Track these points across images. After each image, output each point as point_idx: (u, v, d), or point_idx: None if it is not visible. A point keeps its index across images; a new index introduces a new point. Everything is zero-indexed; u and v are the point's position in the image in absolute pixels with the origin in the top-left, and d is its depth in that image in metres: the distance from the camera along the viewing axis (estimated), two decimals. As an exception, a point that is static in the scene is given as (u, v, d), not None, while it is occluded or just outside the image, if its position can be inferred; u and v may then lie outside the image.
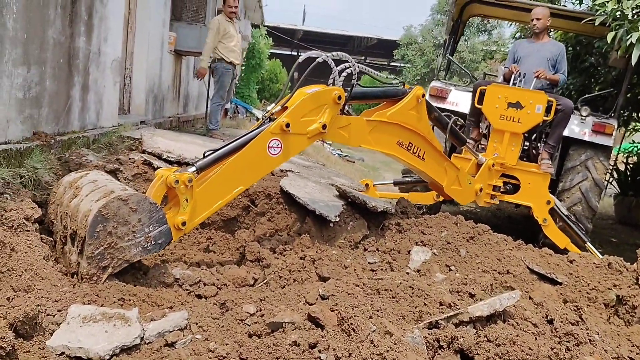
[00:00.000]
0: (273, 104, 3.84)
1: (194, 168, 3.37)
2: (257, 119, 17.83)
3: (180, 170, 3.36)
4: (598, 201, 6.59)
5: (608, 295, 3.70)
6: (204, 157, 3.48)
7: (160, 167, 4.73)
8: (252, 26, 21.68)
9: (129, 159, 4.78)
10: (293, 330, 2.44)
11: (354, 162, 13.58)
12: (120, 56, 6.53)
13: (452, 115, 5.13)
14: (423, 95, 4.45)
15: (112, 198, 2.98)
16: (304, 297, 3.03)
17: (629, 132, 10.98)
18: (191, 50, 9.63)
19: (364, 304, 2.45)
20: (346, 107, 4.05)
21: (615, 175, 11.17)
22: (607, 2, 5.82)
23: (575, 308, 2.52)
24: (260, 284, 3.61)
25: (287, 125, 3.62)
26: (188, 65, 10.66)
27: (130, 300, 3.00)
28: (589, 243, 5.82)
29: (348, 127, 4.05)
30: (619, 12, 5.74)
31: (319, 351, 2.06)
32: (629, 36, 5.54)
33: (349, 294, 3.01)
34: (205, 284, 3.44)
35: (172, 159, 4.99)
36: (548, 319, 2.45)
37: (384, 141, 4.33)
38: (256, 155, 3.59)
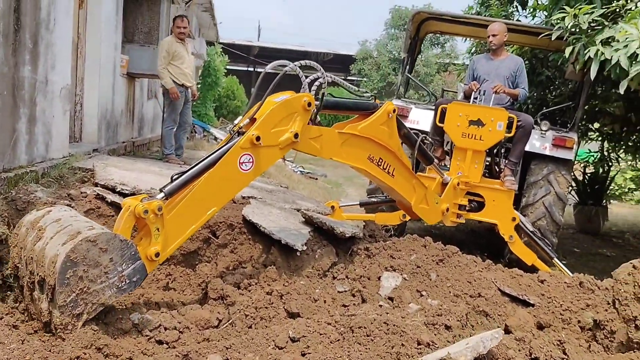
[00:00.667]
0: (240, 117, 3.65)
1: (162, 194, 3.18)
2: (215, 138, 17.58)
3: (148, 198, 3.16)
4: (562, 215, 6.62)
5: (582, 316, 3.63)
6: (171, 180, 3.28)
7: (114, 201, 4.49)
8: (207, 44, 21.45)
9: (81, 193, 4.51)
10: (263, 383, 2.25)
11: (316, 178, 13.45)
12: (70, 83, 6.24)
13: (419, 133, 5.06)
14: (394, 111, 4.37)
15: (79, 240, 2.78)
16: (273, 340, 2.86)
17: (584, 141, 11.18)
18: (144, 72, 9.38)
19: (340, 356, 2.28)
20: (318, 118, 3.91)
21: (574, 185, 11.34)
22: (565, 17, 5.86)
23: (559, 342, 2.42)
24: (225, 325, 3.40)
25: (258, 138, 3.44)
26: (142, 88, 10.38)
27: (86, 355, 2.76)
28: (556, 259, 5.80)
29: (320, 139, 3.90)
30: (576, 27, 5.79)
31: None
32: (586, 50, 5.58)
33: (321, 334, 2.85)
34: (166, 329, 3.21)
35: (127, 192, 4.73)
36: (532, 357, 2.34)
37: (355, 155, 4.21)
38: (227, 172, 3.40)
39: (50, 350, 2.62)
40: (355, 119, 4.36)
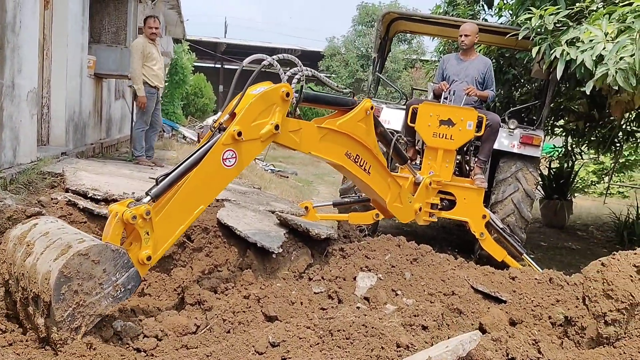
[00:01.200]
0: (219, 112, 3.64)
1: (148, 197, 3.17)
2: (184, 137, 17.41)
3: (134, 203, 3.16)
4: (530, 211, 6.77)
5: (553, 311, 3.74)
6: (157, 183, 3.29)
7: (86, 207, 4.43)
8: (174, 41, 21.22)
9: (52, 199, 4.44)
10: (246, 391, 2.26)
11: (287, 177, 13.44)
12: (37, 86, 6.11)
13: (394, 132, 5.10)
14: (372, 108, 4.41)
15: (71, 255, 2.77)
16: (253, 346, 2.87)
17: (549, 137, 11.42)
18: (112, 72, 9.24)
19: (321, 362, 2.31)
20: (298, 111, 3.93)
21: (540, 180, 11.59)
22: (531, 18, 5.99)
23: (534, 342, 2.49)
24: (203, 331, 3.39)
25: (239, 133, 3.45)
26: (109, 88, 10.23)
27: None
28: (525, 255, 5.93)
29: (299, 132, 3.92)
30: (542, 27, 5.92)
31: None
32: (552, 50, 5.72)
33: (300, 338, 2.87)
34: (145, 336, 3.21)
35: (99, 197, 4.68)
36: (509, 357, 2.40)
37: (333, 150, 4.23)
38: (211, 170, 3.41)
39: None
40: (334, 115, 4.39)
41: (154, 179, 6.18)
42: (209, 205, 5.18)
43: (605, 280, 3.20)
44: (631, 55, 5.13)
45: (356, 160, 4.42)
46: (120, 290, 2.99)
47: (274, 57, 3.90)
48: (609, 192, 16.77)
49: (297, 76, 3.96)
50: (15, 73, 5.36)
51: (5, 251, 3.27)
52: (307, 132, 3.99)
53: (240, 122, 3.49)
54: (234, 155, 3.49)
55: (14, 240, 3.23)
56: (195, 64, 23.97)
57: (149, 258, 3.13)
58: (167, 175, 3.33)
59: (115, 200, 4.77)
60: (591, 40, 5.43)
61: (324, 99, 4.40)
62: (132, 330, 3.14)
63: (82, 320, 2.83)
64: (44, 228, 3.21)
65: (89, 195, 4.64)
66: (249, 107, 3.53)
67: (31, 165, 5.53)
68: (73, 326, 2.80)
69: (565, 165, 11.94)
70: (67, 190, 4.75)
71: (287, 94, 3.70)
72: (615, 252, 3.37)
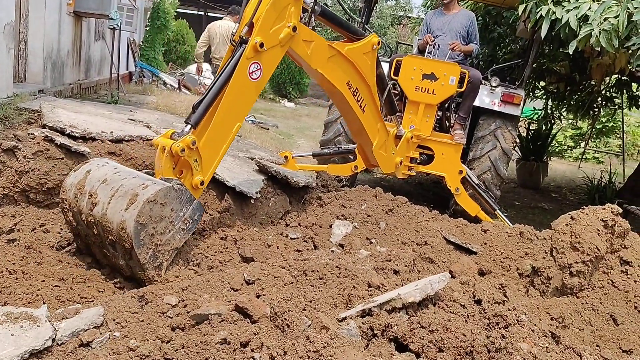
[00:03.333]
0: (236, 24, 3.61)
1: (189, 126, 3.32)
2: (164, 83, 17.14)
3: (177, 133, 3.31)
4: (506, 169, 6.87)
5: (521, 263, 3.85)
6: (193, 110, 3.39)
7: (63, 143, 4.38)
8: (157, -15, 20.59)
9: (28, 134, 4.38)
10: (220, 322, 2.33)
11: (268, 129, 13.36)
12: (14, 20, 5.93)
13: (391, 79, 5.05)
14: (378, 43, 4.42)
15: (142, 205, 2.95)
16: (229, 282, 2.93)
17: (530, 99, 11.51)
18: (92, 12, 8.95)
19: (296, 296, 2.37)
20: (313, 22, 3.92)
21: (518, 141, 11.73)
22: (519, -25, 5.96)
23: (500, 286, 2.58)
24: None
25: (262, 44, 3.47)
26: (89, 28, 9.95)
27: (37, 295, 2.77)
28: (498, 211, 6.06)
29: (311, 44, 3.91)
30: (528, -15, 5.90)
31: (252, 350, 1.97)
32: (538, 9, 5.71)
33: (275, 277, 2.94)
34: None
35: (77, 134, 4.63)
36: (476, 299, 2.49)
37: (337, 75, 4.24)
38: (241, 86, 3.49)
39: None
40: (342, 42, 4.37)
41: (132, 119, 6.15)
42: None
43: (573, 233, 3.31)
44: (615, 17, 5.15)
45: (355, 93, 4.44)
46: (189, 222, 3.23)
47: None
48: (584, 156, 17.04)
49: None
50: (-9, 4, 5.20)
51: (67, 200, 3.41)
52: (317, 46, 3.98)
53: (260, 32, 3.48)
54: (259, 67, 3.55)
55: (73, 189, 3.37)
56: (179, 10, 23.35)
57: (202, 182, 3.36)
58: (201, 100, 3.40)
59: (93, 139, 4.74)
60: (577, 0, 5.42)
61: (338, 20, 4.33)
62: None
63: (162, 257, 3.09)
64: (100, 174, 3.33)
65: (66, 132, 4.59)
66: (265, 14, 3.49)
67: (7, 100, 5.43)
68: (156, 264, 3.06)
69: (544, 127, 12.07)
70: (44, 127, 4.69)
71: None
72: (584, 207, 3.47)
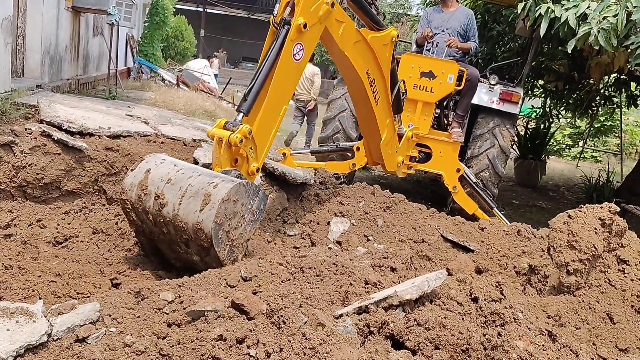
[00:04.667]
0: (277, 5, 3.61)
1: (241, 115, 3.35)
2: (163, 79, 17.10)
3: (231, 124, 3.33)
4: (504, 167, 6.87)
5: (518, 261, 3.85)
6: (244, 98, 3.42)
7: (61, 139, 4.37)
8: (156, -19, 20.54)
9: (25, 129, 4.37)
10: (216, 319, 2.32)
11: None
12: (12, 14, 5.91)
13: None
14: (397, 37, 4.47)
15: (218, 205, 3.00)
16: (225, 279, 2.92)
17: (528, 98, 11.53)
18: (90, 7, 8.93)
19: (293, 292, 2.37)
20: (344, 3, 3.94)
21: (516, 139, 11.74)
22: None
23: (497, 284, 2.59)
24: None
25: (305, 25, 3.48)
26: (87, 23, 9.92)
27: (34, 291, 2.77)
28: (496, 209, 6.06)
29: (342, 25, 3.93)
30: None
31: (248, 346, 1.96)
32: (537, 7, 5.70)
33: (272, 274, 2.93)
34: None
35: (74, 130, 4.62)
36: (472, 296, 2.49)
37: (360, 61, 4.27)
38: (287, 69, 3.51)
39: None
40: (365, 29, 4.39)
41: (130, 115, 6.14)
42: (185, 145, 5.20)
43: (570, 232, 3.31)
44: (614, 16, 5.15)
45: (372, 83, 4.46)
46: (256, 213, 3.28)
47: None
48: (582, 155, 17.06)
49: None
50: (-11, -1, 5.17)
51: (129, 201, 3.41)
52: (348, 28, 4.01)
53: (302, 12, 3.49)
54: (302, 48, 3.57)
55: (135, 190, 3.37)
56: (177, 6, 23.31)
57: (257, 169, 3.44)
58: (250, 88, 3.42)
59: (90, 135, 4.73)
60: (576, -1, 5.43)
61: (365, 8, 4.35)
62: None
63: (237, 250, 3.19)
64: (161, 173, 3.33)
65: (63, 128, 4.58)
66: None
67: (5, 95, 5.40)
68: (232, 258, 3.16)
69: (542, 126, 12.08)
70: (41, 122, 4.67)
71: None
72: (582, 205, 3.47)
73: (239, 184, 3.13)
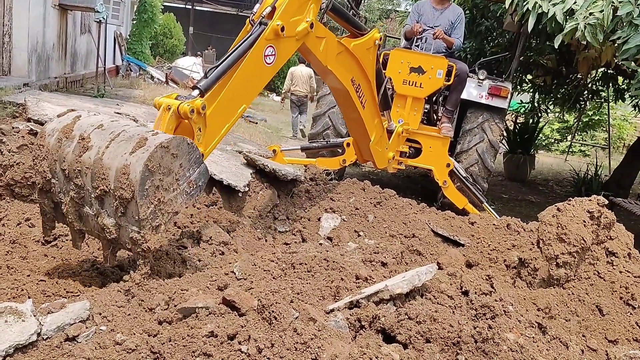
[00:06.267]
0: (258, 4, 3.47)
1: (197, 91, 3.02)
2: (152, 77, 17.04)
3: (184, 97, 2.98)
4: (493, 162, 6.90)
5: (508, 255, 3.88)
6: (206, 76, 3.13)
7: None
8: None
9: (13, 128, 4.34)
10: (207, 315, 2.32)
11: (256, 122, 13.35)
12: (-3, 12, 5.86)
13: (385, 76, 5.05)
14: (381, 39, 4.42)
15: (154, 148, 2.54)
16: (217, 276, 2.91)
17: (517, 92, 11.58)
18: (77, 4, 8.88)
19: (284, 288, 2.37)
20: (325, 19, 3.87)
21: (505, 134, 11.79)
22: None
23: (487, 278, 2.60)
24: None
25: (283, 28, 3.34)
26: (75, 21, 9.86)
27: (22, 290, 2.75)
28: (485, 203, 6.09)
29: (324, 40, 3.86)
30: (515, -22, 5.90)
31: (239, 342, 1.96)
32: (525, 2, 5.72)
33: (263, 270, 2.93)
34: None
35: (63, 128, 4.58)
36: (463, 290, 2.51)
37: (343, 71, 4.20)
38: (254, 66, 3.30)
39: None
40: (346, 36, 4.35)
41: (119, 113, 6.11)
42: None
43: (559, 225, 3.33)
44: (600, 11, 5.18)
45: (357, 89, 4.41)
46: (193, 186, 2.84)
47: None
48: (571, 149, 17.17)
49: None
50: (-26, -4, 5.12)
51: (44, 146, 2.87)
52: (329, 43, 3.93)
53: (282, 16, 3.37)
54: (274, 52, 3.40)
55: (56, 135, 2.83)
56: (166, 3, 23.22)
57: (202, 155, 2.98)
58: (215, 67, 3.18)
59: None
60: (563, -6, 5.44)
61: (346, 16, 4.29)
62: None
63: (162, 218, 2.67)
64: (94, 120, 2.83)
65: (51, 126, 4.54)
66: (289, 1, 3.40)
67: (-9, 94, 5.37)
68: (155, 224, 2.63)
69: (531, 121, 12.14)
70: (29, 120, 4.64)
71: None
72: (571, 198, 3.49)
73: (183, 139, 2.73)
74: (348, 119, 4.93)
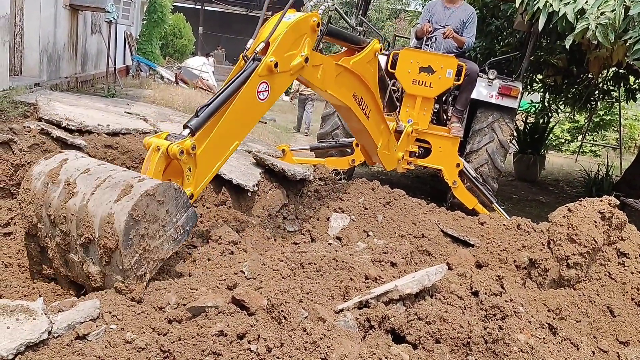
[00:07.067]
0: (251, 40, 3.40)
1: (188, 130, 2.96)
2: (162, 77, 17.10)
3: (174, 136, 2.94)
4: (503, 162, 6.87)
5: (518, 256, 3.86)
6: (196, 115, 3.05)
7: (60, 137, 4.37)
8: (153, -22, 20.50)
9: (24, 127, 4.36)
10: (217, 314, 2.32)
11: (265, 122, 13.36)
12: (9, 13, 5.90)
13: (387, 72, 5.04)
14: (380, 50, 4.37)
15: (139, 196, 2.51)
16: (226, 275, 2.92)
17: (527, 92, 11.53)
18: (88, 4, 8.92)
19: (293, 288, 2.37)
20: (320, 45, 3.79)
21: (515, 134, 11.74)
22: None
23: (497, 278, 2.59)
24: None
25: (276, 65, 3.26)
26: (85, 21, 9.91)
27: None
28: (495, 204, 6.06)
29: (320, 68, 3.77)
30: (526, -22, 5.88)
31: (249, 342, 1.96)
32: (536, 1, 5.69)
33: (272, 270, 2.93)
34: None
35: (73, 127, 4.61)
36: (473, 290, 2.50)
37: (344, 90, 4.13)
38: (247, 104, 3.23)
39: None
40: (343, 53, 4.30)
41: (129, 113, 6.13)
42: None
43: (570, 225, 3.31)
44: (612, 11, 5.14)
45: (360, 103, 4.36)
46: (180, 231, 2.79)
47: None
48: (581, 150, 17.06)
49: (323, 7, 3.70)
50: (-14, -3, 5.16)
51: (30, 190, 2.87)
52: (326, 68, 3.85)
53: (276, 52, 3.29)
54: (267, 88, 3.33)
55: (42, 178, 2.83)
56: (175, 3, 23.29)
57: (191, 196, 2.94)
58: (205, 106, 3.11)
59: (89, 132, 4.72)
60: (575, -7, 5.41)
61: (343, 35, 4.23)
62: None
63: (147, 266, 2.63)
64: (80, 164, 2.83)
65: (62, 125, 4.57)
66: (284, 36, 3.32)
67: (3, 94, 5.40)
68: (139, 273, 2.59)
69: (541, 121, 12.07)
70: (40, 120, 4.67)
71: (318, 24, 3.53)
72: (582, 199, 3.47)
73: (170, 184, 2.70)
74: (353, 129, 4.91)
